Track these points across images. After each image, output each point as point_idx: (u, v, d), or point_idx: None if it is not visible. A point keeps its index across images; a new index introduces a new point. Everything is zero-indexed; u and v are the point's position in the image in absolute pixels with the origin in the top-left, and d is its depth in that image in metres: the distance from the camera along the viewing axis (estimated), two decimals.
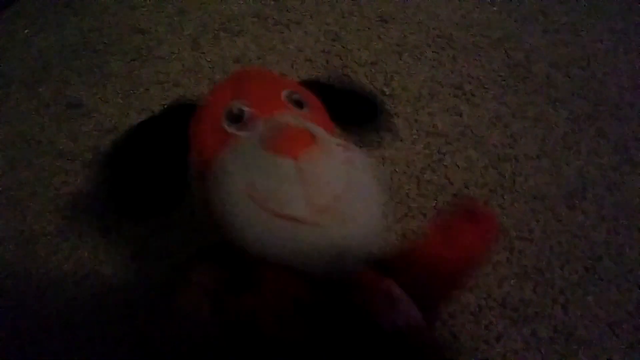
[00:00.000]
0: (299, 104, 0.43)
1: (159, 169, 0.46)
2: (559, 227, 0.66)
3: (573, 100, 0.80)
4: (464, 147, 0.73)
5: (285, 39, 0.86)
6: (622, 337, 0.59)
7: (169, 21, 0.88)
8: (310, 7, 0.91)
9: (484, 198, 0.68)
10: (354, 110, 0.56)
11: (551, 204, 0.68)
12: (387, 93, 0.79)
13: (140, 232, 0.65)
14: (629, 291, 0.62)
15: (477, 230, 0.42)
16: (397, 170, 0.70)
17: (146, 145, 0.47)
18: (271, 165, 0.33)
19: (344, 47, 0.85)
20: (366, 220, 0.35)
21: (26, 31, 0.89)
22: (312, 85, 0.50)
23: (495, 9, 0.94)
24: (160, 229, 0.64)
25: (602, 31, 0.91)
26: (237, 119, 0.40)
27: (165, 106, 0.51)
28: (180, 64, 0.82)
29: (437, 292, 0.44)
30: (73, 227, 0.65)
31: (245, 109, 0.40)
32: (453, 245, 0.41)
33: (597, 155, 0.73)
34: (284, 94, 0.43)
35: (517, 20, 0.92)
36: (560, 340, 0.58)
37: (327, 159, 0.34)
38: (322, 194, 0.33)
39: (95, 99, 0.78)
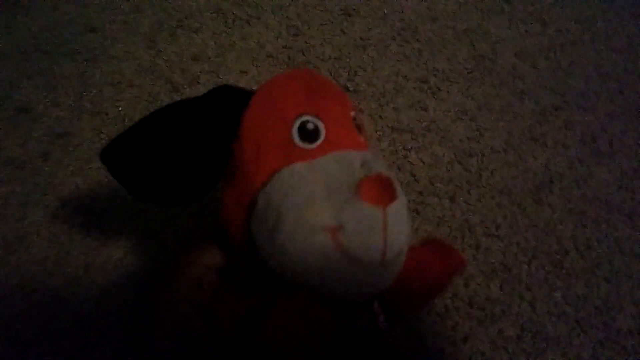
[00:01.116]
0: (359, 129, 0.43)
1: (192, 152, 0.41)
2: (526, 222, 0.65)
3: (539, 91, 0.78)
4: (430, 143, 0.71)
5: (246, 35, 0.83)
6: (590, 333, 0.58)
7: (123, 19, 0.85)
8: (271, 1, 0.88)
9: (450, 194, 0.66)
10: None
11: (518, 199, 0.67)
12: (351, 89, 0.77)
13: (90, 243, 0.62)
14: (597, 286, 0.61)
15: (445, 265, 0.46)
16: None
17: (182, 127, 0.41)
18: (365, 214, 0.34)
19: (306, 42, 0.82)
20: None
21: None
22: None
23: (460, 0, 0.92)
24: (109, 239, 0.61)
25: (568, 20, 0.90)
26: (310, 136, 0.39)
27: (210, 90, 0.44)
28: (135, 63, 0.79)
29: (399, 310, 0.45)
30: (21, 240, 0.62)
31: (322, 128, 0.39)
32: (421, 276, 0.44)
33: (563, 147, 0.72)
34: (352, 115, 0.43)
35: (482, 11, 0.91)
36: (527, 339, 0.57)
37: (404, 209, 0.38)
38: (396, 245, 0.36)
39: (45, 102, 0.75)
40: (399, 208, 0.36)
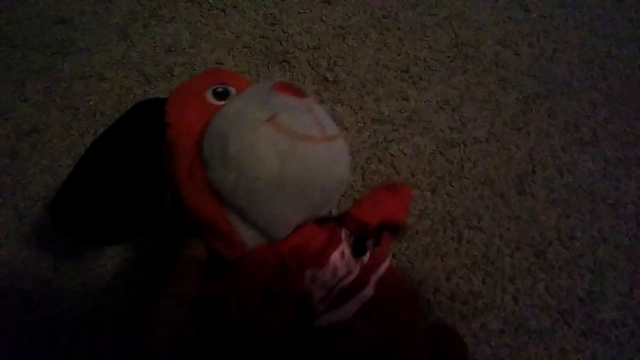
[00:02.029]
0: None
1: (131, 182, 0.42)
2: (509, 213, 0.64)
3: (522, 79, 0.77)
4: (411, 134, 0.70)
5: (222, 25, 0.80)
6: (574, 325, 0.57)
7: (94, 9, 0.82)
8: None
9: (432, 186, 0.65)
10: None
11: (500, 190, 0.66)
12: (331, 79, 0.74)
13: (61, 244, 0.60)
14: (581, 277, 0.60)
15: (396, 198, 0.59)
16: None
17: (114, 158, 0.43)
18: (290, 102, 0.40)
19: (284, 32, 0.80)
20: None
21: None
22: None
23: None
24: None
25: (551, 6, 0.88)
26: (222, 95, 0.44)
27: (125, 112, 0.46)
28: (106, 56, 0.76)
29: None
30: None
31: (231, 89, 0.44)
32: (377, 210, 0.54)
33: (547, 136, 0.71)
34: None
35: None
36: (510, 332, 0.56)
37: (321, 107, 0.43)
38: (328, 124, 0.41)
39: (13, 97, 0.72)
40: (314, 103, 0.42)
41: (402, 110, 0.72)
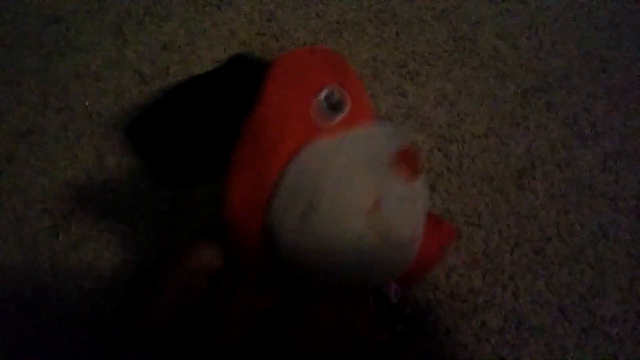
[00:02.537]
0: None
1: (206, 129, 0.39)
2: (508, 209, 0.64)
3: (521, 73, 0.76)
4: (409, 130, 0.69)
5: (217, 22, 0.80)
6: (574, 322, 0.57)
7: (88, 8, 0.81)
8: None
9: (430, 183, 0.65)
10: None
11: (499, 185, 0.65)
12: None
13: (59, 247, 0.59)
14: (581, 273, 0.60)
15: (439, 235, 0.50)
16: None
17: (201, 102, 0.41)
18: (401, 191, 0.34)
19: (280, 28, 0.79)
20: None
21: None
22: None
23: None
24: (78, 242, 0.59)
25: None
26: (337, 108, 0.35)
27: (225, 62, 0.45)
28: (101, 55, 0.76)
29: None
30: None
31: (347, 99, 0.36)
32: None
33: (546, 130, 0.71)
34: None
35: None
36: (510, 330, 0.56)
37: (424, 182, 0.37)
38: (422, 221, 0.37)
39: (8, 99, 0.72)
40: (421, 186, 0.36)
41: (400, 106, 0.72)
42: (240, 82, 0.40)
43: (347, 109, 0.36)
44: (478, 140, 0.69)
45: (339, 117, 0.36)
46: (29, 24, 0.79)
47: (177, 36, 0.78)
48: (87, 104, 0.70)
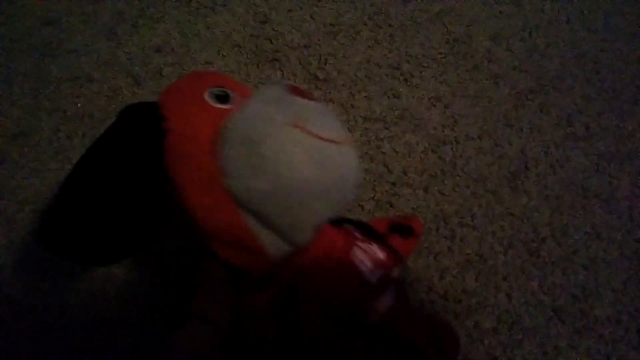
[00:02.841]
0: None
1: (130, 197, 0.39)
2: (502, 210, 0.64)
3: (514, 75, 0.76)
4: (403, 132, 0.69)
5: (211, 24, 0.80)
6: (567, 322, 0.57)
7: (81, 10, 0.81)
8: None
9: (424, 184, 0.65)
10: None
11: (493, 187, 0.65)
12: (321, 77, 0.74)
13: None
14: (574, 273, 0.60)
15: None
16: None
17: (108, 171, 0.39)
18: (308, 105, 0.40)
19: (274, 30, 0.79)
20: None
21: None
22: None
23: None
24: None
25: (543, 0, 0.87)
26: (224, 99, 0.41)
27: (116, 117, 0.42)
28: (94, 56, 0.75)
29: None
30: None
31: (228, 91, 0.42)
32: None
33: (539, 131, 0.71)
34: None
35: None
36: (504, 331, 0.56)
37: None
38: (344, 129, 0.41)
39: (0, 100, 0.71)
40: (324, 105, 0.43)
41: (394, 108, 0.72)
42: (139, 134, 0.40)
43: (233, 95, 0.41)
44: (472, 141, 0.69)
45: (232, 102, 0.41)
46: (22, 26, 0.79)
47: (171, 38, 0.78)
48: (79, 105, 0.70)
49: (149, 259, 0.58)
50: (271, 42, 0.78)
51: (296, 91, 0.41)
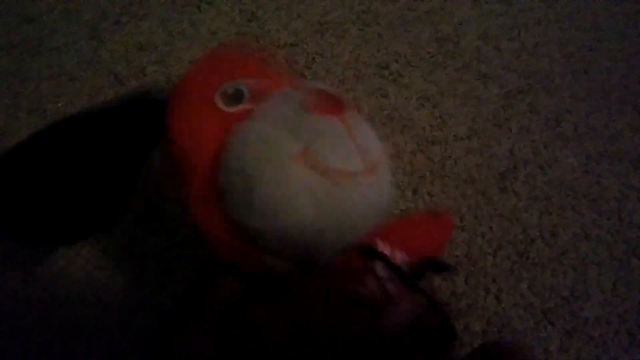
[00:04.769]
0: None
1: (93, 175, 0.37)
2: (491, 211, 0.63)
3: (503, 74, 0.76)
4: (391, 132, 0.68)
5: (196, 22, 0.78)
6: (557, 324, 0.56)
7: (63, 7, 0.79)
8: None
9: (413, 186, 0.64)
10: None
11: (482, 187, 0.65)
12: (309, 77, 0.73)
13: (29, 253, 0.57)
14: (564, 274, 0.59)
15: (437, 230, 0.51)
16: None
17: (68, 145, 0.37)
18: (324, 126, 0.33)
19: (261, 28, 0.78)
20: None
21: None
22: None
23: None
24: (49, 248, 0.57)
25: None
26: (236, 99, 0.36)
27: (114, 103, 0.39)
28: (76, 55, 0.74)
29: None
30: None
31: (242, 86, 0.37)
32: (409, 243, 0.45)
33: (528, 132, 0.70)
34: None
35: None
36: (493, 334, 0.55)
37: (362, 120, 0.36)
38: (372, 148, 0.35)
39: None
40: (355, 116, 0.35)
41: (382, 108, 0.71)
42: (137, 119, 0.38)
43: (248, 91, 0.37)
44: (461, 142, 0.68)
45: (247, 100, 0.36)
46: (1, 24, 0.77)
47: (155, 36, 0.76)
48: (59, 105, 0.68)
49: (129, 263, 0.57)
50: (258, 41, 0.77)
51: (316, 106, 0.34)
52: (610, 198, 0.65)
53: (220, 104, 0.36)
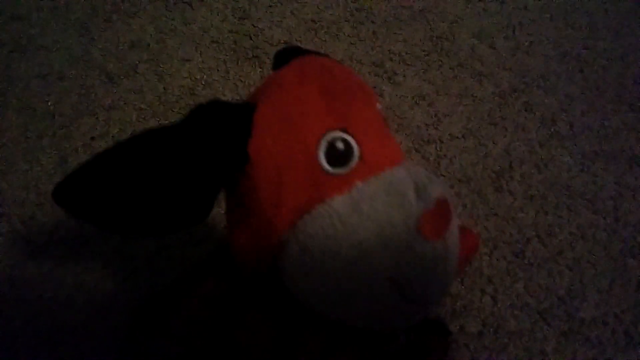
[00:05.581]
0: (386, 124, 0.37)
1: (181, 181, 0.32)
2: (486, 210, 0.62)
3: (498, 73, 0.75)
4: None
5: (188, 19, 0.77)
6: (553, 325, 0.56)
7: (52, 5, 0.78)
8: None
9: None
10: None
11: (477, 187, 0.64)
12: None
13: (16, 255, 0.56)
14: (560, 275, 0.59)
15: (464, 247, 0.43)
16: None
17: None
18: (427, 252, 0.29)
19: (254, 26, 0.77)
20: None
21: None
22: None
23: None
24: (37, 250, 0.56)
25: None
26: (342, 159, 0.31)
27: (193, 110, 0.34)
28: (66, 53, 0.72)
29: None
30: None
31: (354, 145, 0.31)
32: None
33: (523, 130, 0.70)
34: (379, 111, 0.36)
35: None
36: (489, 335, 0.55)
37: (456, 227, 0.32)
38: (452, 277, 0.33)
39: None
40: (454, 229, 0.31)
41: None
42: (215, 132, 0.32)
43: (355, 158, 0.31)
44: (456, 140, 0.68)
45: (350, 167, 0.31)
46: None
47: (146, 34, 0.75)
48: (49, 103, 0.67)
49: (119, 266, 0.56)
50: (251, 39, 0.76)
51: (432, 231, 0.29)
52: (606, 197, 0.65)
53: (322, 160, 0.30)
